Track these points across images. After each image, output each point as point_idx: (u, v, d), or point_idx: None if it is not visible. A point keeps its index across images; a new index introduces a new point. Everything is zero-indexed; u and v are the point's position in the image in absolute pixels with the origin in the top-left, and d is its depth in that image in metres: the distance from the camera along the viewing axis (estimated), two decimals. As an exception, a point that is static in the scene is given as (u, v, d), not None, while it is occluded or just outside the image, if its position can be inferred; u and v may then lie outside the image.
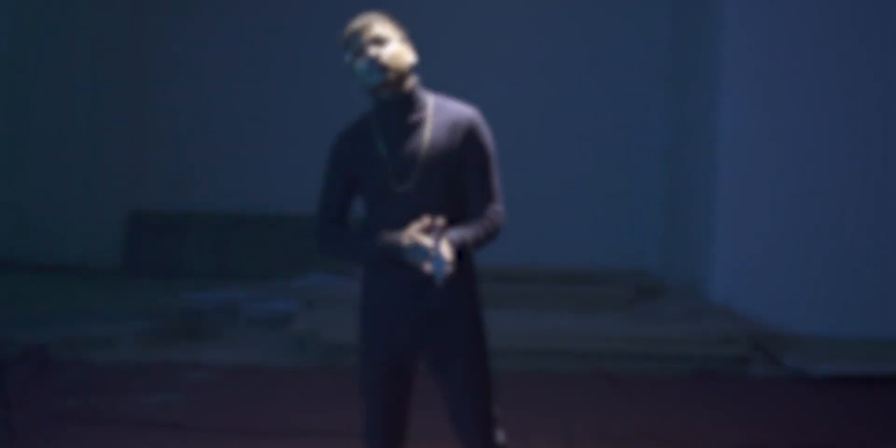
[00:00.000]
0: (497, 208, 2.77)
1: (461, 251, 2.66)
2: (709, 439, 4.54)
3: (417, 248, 2.57)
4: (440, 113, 2.76)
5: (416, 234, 2.59)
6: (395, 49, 2.71)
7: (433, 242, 2.54)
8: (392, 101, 2.73)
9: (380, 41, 2.70)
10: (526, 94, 8.05)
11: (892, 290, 6.54)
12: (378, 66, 2.67)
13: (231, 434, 4.48)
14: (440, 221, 2.57)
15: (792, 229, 6.65)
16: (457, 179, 2.74)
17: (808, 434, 4.66)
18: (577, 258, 7.10)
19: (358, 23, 2.75)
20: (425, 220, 2.59)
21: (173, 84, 8.57)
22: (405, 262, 2.62)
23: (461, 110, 2.78)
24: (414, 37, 2.82)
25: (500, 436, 2.84)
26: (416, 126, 2.75)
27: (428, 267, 2.55)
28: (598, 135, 8.02)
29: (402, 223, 2.65)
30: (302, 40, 8.39)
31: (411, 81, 2.75)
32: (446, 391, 2.81)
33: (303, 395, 5.15)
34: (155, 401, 4.95)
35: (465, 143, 2.73)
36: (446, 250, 2.54)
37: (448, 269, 2.52)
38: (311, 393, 5.21)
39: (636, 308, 6.39)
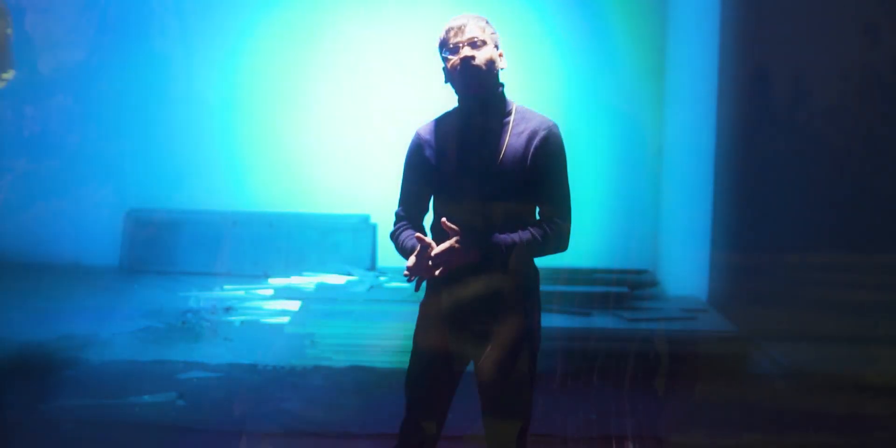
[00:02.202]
0: (557, 221, 2.73)
1: (492, 254, 2.64)
2: (708, 439, 4.54)
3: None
4: (521, 121, 2.76)
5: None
6: (490, 53, 2.72)
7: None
8: (477, 103, 2.74)
9: (475, 43, 2.71)
10: (523, 95, 8.04)
11: (889, 289, 6.53)
12: (470, 68, 2.68)
13: (229, 434, 4.47)
14: (442, 221, 2.59)
15: (790, 229, 6.65)
16: (527, 188, 2.72)
17: (807, 433, 4.66)
18: (576, 258, 7.08)
19: (455, 22, 2.74)
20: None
21: (171, 83, 8.55)
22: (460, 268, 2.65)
23: (541, 121, 2.77)
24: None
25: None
26: (497, 131, 2.74)
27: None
28: (594, 134, 8.01)
29: (469, 225, 2.64)
30: (297, 40, 8.38)
31: (499, 87, 2.77)
32: (483, 392, 2.82)
33: (300, 395, 5.15)
34: (152, 400, 4.94)
35: (540, 153, 2.72)
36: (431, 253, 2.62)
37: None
38: (308, 392, 5.20)
39: (634, 307, 6.38)
